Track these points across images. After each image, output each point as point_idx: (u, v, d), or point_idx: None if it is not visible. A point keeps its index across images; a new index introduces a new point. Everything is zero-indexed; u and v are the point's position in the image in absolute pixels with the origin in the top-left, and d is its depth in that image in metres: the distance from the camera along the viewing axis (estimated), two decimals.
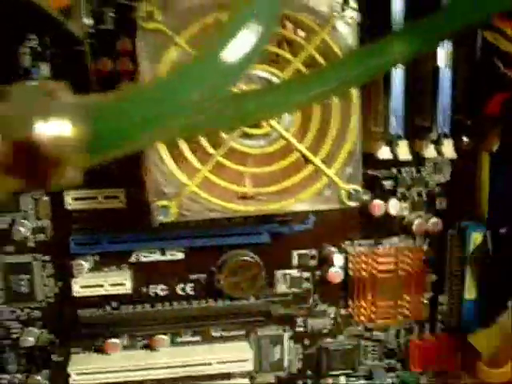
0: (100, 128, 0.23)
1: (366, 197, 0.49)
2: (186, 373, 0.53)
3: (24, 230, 0.51)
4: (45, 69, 0.49)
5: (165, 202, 0.43)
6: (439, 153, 0.52)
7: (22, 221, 0.51)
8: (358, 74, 0.41)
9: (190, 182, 0.43)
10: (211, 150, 0.43)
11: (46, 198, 0.51)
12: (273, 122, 0.43)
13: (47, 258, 0.52)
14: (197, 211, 0.44)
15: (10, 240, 0.51)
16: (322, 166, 0.44)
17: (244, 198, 0.45)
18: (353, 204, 0.45)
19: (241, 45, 0.25)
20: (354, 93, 0.44)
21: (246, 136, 0.44)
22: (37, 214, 0.51)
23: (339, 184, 0.45)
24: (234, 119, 0.39)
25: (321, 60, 0.43)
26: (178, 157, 0.44)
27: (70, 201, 0.50)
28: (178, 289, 0.54)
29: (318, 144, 0.45)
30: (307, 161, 0.44)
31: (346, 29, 0.44)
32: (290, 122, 0.44)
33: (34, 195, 0.51)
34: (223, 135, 0.43)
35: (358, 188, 0.45)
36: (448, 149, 0.51)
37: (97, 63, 0.48)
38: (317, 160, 0.44)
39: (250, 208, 0.44)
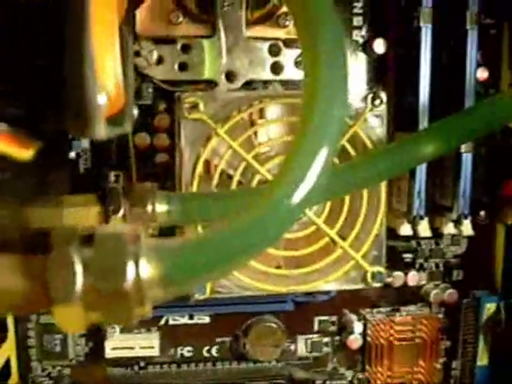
0: (174, 267, 0.26)
1: (389, 279, 0.51)
2: None
3: None
4: (85, 142, 0.51)
5: None
6: (458, 230, 0.54)
7: None
8: (386, 169, 0.44)
9: None
10: None
11: None
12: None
13: None
14: (231, 289, 0.47)
15: None
16: (351, 251, 0.46)
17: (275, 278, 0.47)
18: (377, 285, 0.48)
19: (309, 187, 0.27)
20: (383, 184, 0.47)
21: None
22: None
23: (365, 267, 0.47)
24: None
25: (352, 152, 0.46)
26: None
27: None
28: (204, 351, 0.56)
29: (346, 230, 0.47)
30: (336, 244, 0.47)
31: (375, 121, 0.47)
32: (319, 208, 0.47)
33: None
34: None
35: (382, 270, 0.48)
36: (466, 227, 0.54)
37: (135, 139, 0.51)
38: (345, 245, 0.46)
39: (282, 288, 0.47)
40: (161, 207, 0.41)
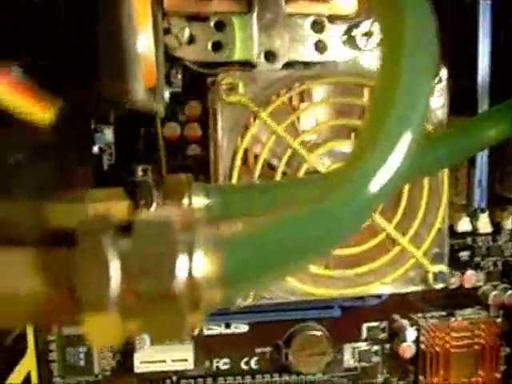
0: (238, 263, 0.21)
1: (452, 279, 0.46)
2: None
3: None
4: (108, 133, 0.47)
5: None
6: None
7: None
8: (449, 154, 0.39)
9: None
10: None
11: None
12: None
13: None
14: (275, 294, 0.41)
15: None
16: (410, 248, 0.41)
17: (325, 280, 0.42)
18: (439, 286, 0.43)
19: (390, 174, 0.22)
20: (444, 172, 0.42)
21: None
22: None
23: (426, 266, 0.42)
24: None
25: None
26: None
27: None
28: (242, 363, 0.51)
29: (404, 224, 0.42)
30: (393, 241, 0.42)
31: (435, 101, 0.41)
32: None
33: None
34: None
35: (445, 269, 0.43)
36: None
37: (165, 130, 0.46)
38: (404, 241, 0.41)
39: (332, 292, 0.42)
40: (199, 200, 0.36)
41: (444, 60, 0.46)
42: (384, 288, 0.42)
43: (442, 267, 0.42)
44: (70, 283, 0.20)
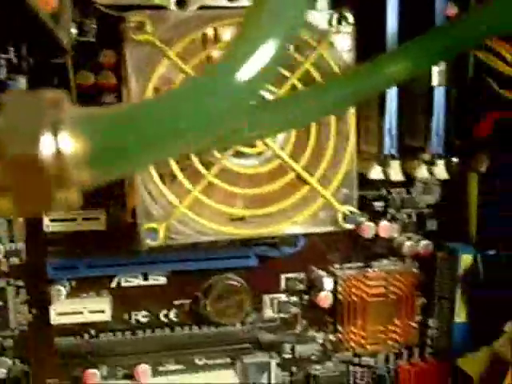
0: (105, 142, 0.21)
1: (361, 219, 0.47)
2: None
3: None
4: (22, 82, 0.46)
5: (153, 225, 0.41)
6: (431, 174, 0.50)
7: None
8: (353, 91, 0.40)
9: (180, 204, 0.41)
10: (203, 170, 0.41)
11: (20, 219, 0.48)
12: (267, 141, 0.41)
13: (21, 283, 0.49)
14: (187, 234, 0.42)
15: None
16: (319, 187, 0.42)
17: (236, 220, 0.43)
18: (349, 226, 0.44)
19: (256, 63, 0.22)
20: (351, 112, 0.42)
21: (239, 155, 0.42)
22: (11, 236, 0.48)
23: (335, 205, 0.43)
24: (226, 137, 0.37)
25: (317, 76, 0.42)
26: (168, 177, 0.42)
27: (47, 222, 0.47)
28: (161, 315, 0.51)
29: (313, 165, 0.43)
30: (302, 181, 0.42)
31: (342, 44, 0.42)
32: (284, 141, 0.42)
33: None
34: (215, 154, 0.41)
35: (354, 209, 0.44)
36: (440, 170, 0.50)
37: (78, 77, 0.46)
38: (313, 180, 0.42)
39: (243, 231, 0.42)
40: None
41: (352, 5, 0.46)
42: (295, 228, 0.43)
43: (351, 208, 0.43)
44: None
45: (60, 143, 0.20)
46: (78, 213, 0.47)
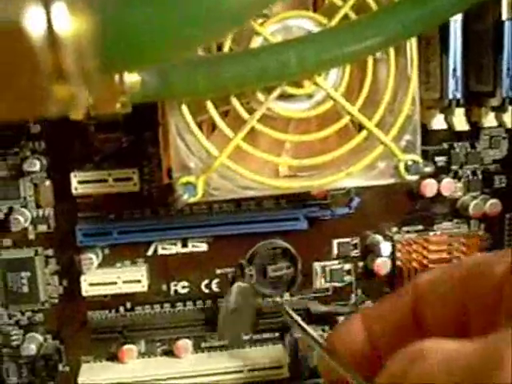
0: (116, 17, 0.16)
1: (427, 169, 0.42)
2: (213, 382, 0.46)
3: (23, 220, 0.44)
4: None
5: (191, 179, 0.36)
6: (500, 122, 0.45)
7: (21, 209, 0.44)
8: (413, 19, 0.34)
9: (221, 154, 0.36)
10: (245, 115, 0.36)
11: (47, 183, 0.44)
12: (318, 80, 0.36)
13: (50, 252, 0.45)
14: (228, 189, 0.37)
15: (7, 232, 0.44)
16: (378, 132, 0.37)
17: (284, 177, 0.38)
18: (412, 178, 0.38)
19: None
20: (413, 44, 0.37)
21: (286, 97, 0.37)
22: (37, 201, 0.44)
23: (397, 154, 0.37)
24: (270, 74, 0.33)
25: (373, 5, 0.36)
26: (205, 125, 0.37)
27: (76, 184, 0.43)
28: (203, 285, 0.47)
29: (368, 108, 0.38)
30: (359, 127, 0.37)
31: None
32: (337, 80, 0.37)
33: (35, 179, 0.44)
34: (259, 96, 0.36)
35: (418, 158, 0.38)
36: (510, 117, 0.44)
37: None
38: (371, 125, 0.37)
39: (292, 184, 0.37)
40: (132, 76, 0.31)
41: None
42: (350, 181, 0.38)
43: (415, 156, 0.38)
44: None
45: (54, 18, 0.15)
46: (109, 173, 0.43)
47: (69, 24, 0.15)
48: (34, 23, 0.14)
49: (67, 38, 0.15)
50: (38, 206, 0.45)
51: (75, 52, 0.15)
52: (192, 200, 0.36)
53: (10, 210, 0.44)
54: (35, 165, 0.43)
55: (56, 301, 0.46)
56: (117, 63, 0.17)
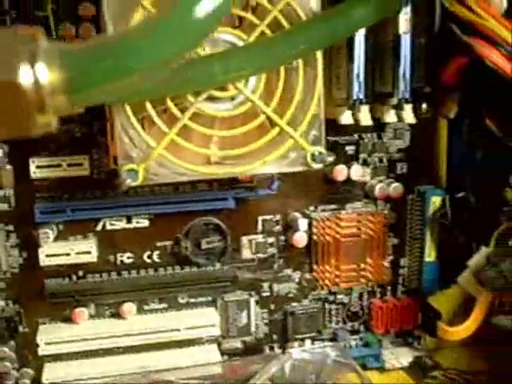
0: (77, 72, 0.23)
1: (329, 158, 0.50)
2: (155, 340, 0.54)
3: None
4: None
5: (133, 166, 0.43)
6: (399, 118, 0.53)
7: None
8: (321, 36, 0.42)
9: (158, 146, 0.43)
10: (178, 114, 0.43)
11: (8, 167, 0.50)
12: (239, 85, 0.43)
13: (11, 227, 0.52)
14: (164, 175, 0.44)
15: None
16: (288, 129, 0.45)
17: (211, 164, 0.45)
18: (317, 166, 0.46)
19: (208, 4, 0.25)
20: (319, 57, 0.45)
21: (213, 99, 0.44)
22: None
23: (304, 146, 0.45)
24: (199, 81, 0.40)
25: (286, 24, 0.44)
26: (146, 121, 0.44)
27: (34, 169, 0.49)
28: (145, 256, 0.54)
29: (282, 108, 0.45)
30: (273, 124, 0.45)
31: None
32: (255, 85, 0.45)
33: None
34: (190, 98, 0.43)
35: (323, 150, 0.46)
36: (408, 114, 0.52)
37: (59, 29, 0.48)
38: (283, 122, 0.44)
39: (218, 171, 0.45)
40: None
41: None
42: (267, 168, 0.46)
43: (320, 149, 0.46)
44: None
45: (38, 73, 0.22)
46: (63, 159, 0.50)
47: (47, 77, 0.22)
48: (24, 76, 0.22)
49: (46, 85, 0.22)
50: (0, 188, 0.51)
51: (52, 93, 0.22)
52: (134, 184, 0.44)
53: None
54: None
55: (16, 270, 0.53)
56: (79, 98, 0.24)
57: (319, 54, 0.45)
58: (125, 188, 0.44)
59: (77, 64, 0.23)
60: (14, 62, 0.22)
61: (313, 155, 0.46)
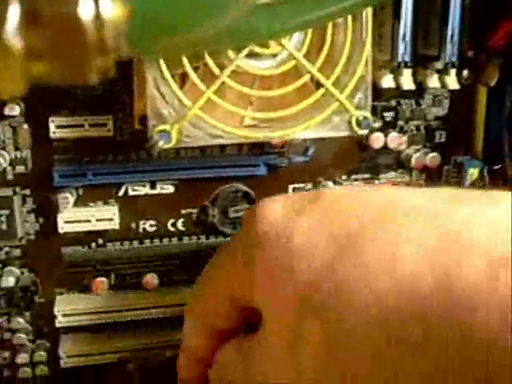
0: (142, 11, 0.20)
1: (376, 124, 0.46)
2: (177, 313, 0.51)
3: (2, 160, 0.47)
4: None
5: (165, 127, 0.40)
6: (442, 83, 0.50)
7: (0, 151, 0.47)
8: None
9: (193, 105, 0.40)
10: (217, 71, 0.40)
11: (25, 126, 0.47)
12: (283, 41, 0.40)
13: (28, 191, 0.48)
14: (198, 137, 0.41)
15: None
16: (334, 90, 0.41)
17: (248, 126, 0.42)
18: (362, 132, 0.43)
19: None
20: (369, 15, 0.41)
21: (254, 56, 0.41)
22: (16, 143, 0.47)
23: (350, 110, 0.42)
24: (242, 35, 0.36)
25: None
26: (176, 79, 0.41)
27: (53, 129, 0.46)
28: (169, 224, 0.51)
29: (328, 68, 0.42)
30: (317, 85, 0.42)
31: None
32: (300, 42, 0.41)
33: (12, 123, 0.46)
34: (230, 54, 0.40)
35: (368, 115, 0.43)
36: (452, 79, 0.49)
37: None
38: (328, 83, 0.41)
39: (256, 134, 0.42)
40: None
41: None
42: (308, 133, 0.43)
43: (366, 113, 0.43)
44: None
45: (100, 6, 0.19)
46: (85, 118, 0.46)
47: (111, 11, 0.19)
48: (86, 11, 0.18)
49: (108, 21, 0.19)
50: (16, 148, 0.47)
51: (113, 31, 0.19)
52: (166, 146, 0.40)
53: None
54: (15, 109, 0.46)
55: (32, 237, 0.49)
56: (142, 41, 0.21)
57: (369, 9, 0.41)
58: (156, 151, 0.41)
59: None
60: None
61: (358, 120, 0.43)
